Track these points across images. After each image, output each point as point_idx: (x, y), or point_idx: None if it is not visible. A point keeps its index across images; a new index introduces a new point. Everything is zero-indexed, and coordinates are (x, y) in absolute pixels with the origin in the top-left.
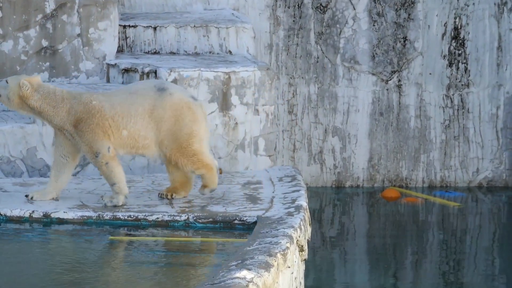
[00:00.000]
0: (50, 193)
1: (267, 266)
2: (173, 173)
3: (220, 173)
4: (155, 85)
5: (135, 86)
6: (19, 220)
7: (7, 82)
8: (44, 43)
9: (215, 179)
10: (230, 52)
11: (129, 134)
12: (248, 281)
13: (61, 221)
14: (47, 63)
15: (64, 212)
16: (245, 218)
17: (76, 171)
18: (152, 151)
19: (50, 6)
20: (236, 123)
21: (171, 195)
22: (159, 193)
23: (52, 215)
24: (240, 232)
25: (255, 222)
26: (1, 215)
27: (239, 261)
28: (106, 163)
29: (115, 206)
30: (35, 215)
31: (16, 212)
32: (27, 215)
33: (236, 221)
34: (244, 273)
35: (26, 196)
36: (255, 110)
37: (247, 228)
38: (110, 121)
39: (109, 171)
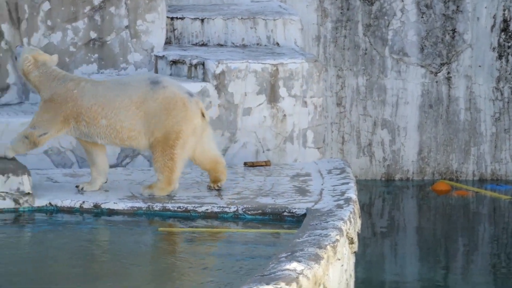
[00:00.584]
0: (96, 179)
1: (317, 258)
2: (202, 163)
3: (269, 165)
4: (149, 78)
5: (129, 78)
6: (70, 210)
7: (21, 51)
8: (93, 34)
9: (164, 192)
10: (277, 44)
11: (109, 124)
12: (298, 273)
13: (111, 212)
14: (96, 55)
15: (114, 203)
16: (294, 210)
17: (126, 162)
18: (140, 143)
19: None
20: (285, 115)
21: (218, 185)
22: (208, 185)
23: (102, 206)
24: (289, 225)
25: (304, 214)
26: (52, 205)
27: (289, 253)
28: (26, 137)
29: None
30: (85, 206)
31: (67, 203)
32: (77, 205)
33: (285, 213)
34: (294, 265)
35: (77, 187)
36: (303, 102)
37: (296, 220)
38: (84, 111)
39: (19, 141)
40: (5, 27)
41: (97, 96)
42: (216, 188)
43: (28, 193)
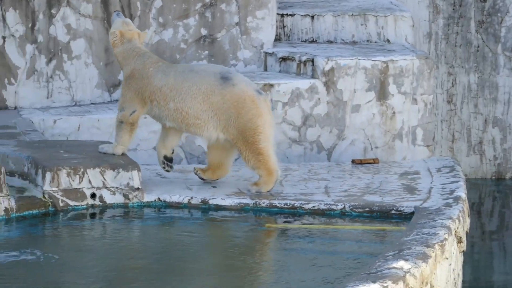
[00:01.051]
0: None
1: (424, 257)
2: (211, 155)
3: (377, 162)
4: (220, 72)
5: (200, 67)
6: (178, 206)
7: (114, 22)
8: (203, 31)
9: (270, 185)
10: (388, 40)
11: (176, 108)
12: (405, 272)
13: (219, 208)
14: (206, 52)
15: (222, 199)
16: (402, 209)
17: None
18: (207, 133)
19: None
20: (394, 113)
21: (202, 174)
22: (194, 168)
23: (210, 202)
24: (396, 221)
25: (412, 213)
26: (161, 201)
27: (396, 251)
28: (121, 122)
29: (105, 153)
30: (193, 201)
31: (175, 198)
32: (185, 201)
33: (393, 211)
34: (401, 263)
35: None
36: (413, 100)
37: (404, 218)
38: (155, 90)
39: (118, 129)
40: None
41: (168, 78)
42: (199, 176)
43: (138, 188)
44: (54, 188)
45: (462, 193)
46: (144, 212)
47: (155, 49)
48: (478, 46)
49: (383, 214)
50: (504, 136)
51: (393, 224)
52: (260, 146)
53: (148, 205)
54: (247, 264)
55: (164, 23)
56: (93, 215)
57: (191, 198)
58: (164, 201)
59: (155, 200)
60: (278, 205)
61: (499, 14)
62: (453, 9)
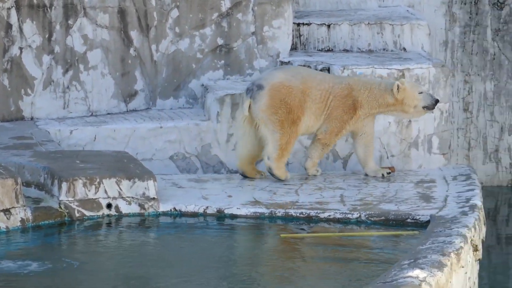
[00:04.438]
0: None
1: (440, 266)
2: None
3: (393, 171)
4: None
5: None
6: (194, 215)
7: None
8: (220, 41)
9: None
10: (404, 49)
11: None
12: (421, 280)
13: (234, 217)
14: (222, 61)
15: (237, 208)
16: (417, 217)
17: None
18: None
19: (225, 5)
20: (410, 121)
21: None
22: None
23: (226, 211)
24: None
25: (428, 221)
26: (176, 210)
27: (412, 260)
28: None
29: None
30: (209, 211)
31: (191, 208)
32: (201, 210)
33: (408, 220)
34: (416, 272)
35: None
36: None
37: (420, 226)
38: None
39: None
40: (134, 34)
41: None
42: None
43: (153, 198)
44: (70, 198)
45: (478, 201)
46: (159, 222)
47: (172, 59)
48: (495, 54)
49: (399, 223)
50: None
51: (409, 230)
52: None
53: (164, 214)
54: (263, 274)
55: (180, 33)
56: (109, 225)
57: (207, 207)
58: (180, 210)
59: (170, 209)
60: (293, 214)
61: None
62: (470, 17)
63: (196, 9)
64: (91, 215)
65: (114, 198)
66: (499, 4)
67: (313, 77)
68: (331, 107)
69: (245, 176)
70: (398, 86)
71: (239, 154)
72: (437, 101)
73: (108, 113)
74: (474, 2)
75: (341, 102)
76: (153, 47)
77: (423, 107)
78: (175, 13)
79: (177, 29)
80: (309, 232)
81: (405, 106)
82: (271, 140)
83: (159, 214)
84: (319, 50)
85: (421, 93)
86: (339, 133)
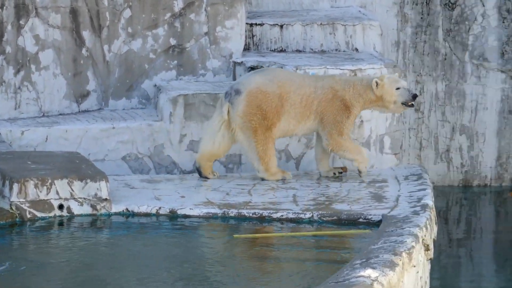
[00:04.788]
0: None
1: (392, 265)
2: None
3: (345, 171)
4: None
5: None
6: (146, 216)
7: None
8: (172, 41)
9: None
10: (356, 49)
11: None
12: (373, 280)
13: (187, 218)
14: (175, 62)
15: (190, 208)
16: (370, 217)
17: None
18: None
19: (178, 5)
20: (362, 121)
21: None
22: None
23: (179, 212)
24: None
25: (380, 221)
26: (129, 211)
27: (364, 260)
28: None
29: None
30: (161, 212)
31: (143, 209)
32: (154, 211)
33: (360, 220)
34: (368, 271)
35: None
36: None
37: (372, 226)
38: None
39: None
40: (87, 34)
41: None
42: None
43: (106, 199)
44: (21, 199)
45: (430, 201)
46: (112, 223)
47: (124, 59)
48: (446, 55)
49: (351, 222)
50: (471, 144)
51: (361, 229)
52: None
53: (116, 215)
54: (215, 274)
55: (133, 33)
56: (60, 226)
57: (160, 208)
58: (132, 211)
59: (123, 210)
60: (246, 214)
61: (466, 23)
62: (421, 18)
63: (149, 9)
64: (43, 216)
65: (66, 199)
66: (450, 4)
67: (291, 81)
68: (319, 112)
69: (199, 172)
70: (376, 82)
71: (202, 149)
72: (415, 96)
73: (60, 114)
74: (426, 2)
75: (329, 105)
76: (106, 47)
77: (402, 103)
78: (127, 13)
79: (129, 29)
80: (262, 232)
81: (385, 102)
82: (248, 149)
83: (111, 215)
84: (272, 50)
85: (398, 88)
86: (341, 134)
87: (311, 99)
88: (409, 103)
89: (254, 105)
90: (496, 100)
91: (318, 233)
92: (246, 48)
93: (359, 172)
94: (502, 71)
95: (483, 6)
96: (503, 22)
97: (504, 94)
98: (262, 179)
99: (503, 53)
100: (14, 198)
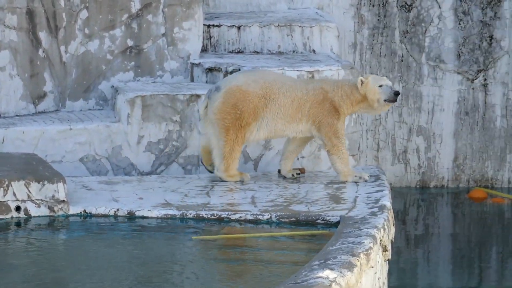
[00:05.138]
0: None
1: (350, 266)
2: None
3: (303, 172)
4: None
5: None
6: (104, 218)
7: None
8: (130, 42)
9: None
10: (313, 51)
11: None
12: (331, 281)
13: (145, 219)
14: (132, 63)
15: (148, 210)
16: (328, 218)
17: (160, 170)
18: None
19: (135, 6)
20: None
21: None
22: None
23: (136, 213)
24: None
25: (338, 222)
26: (87, 213)
27: (322, 261)
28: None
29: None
30: (119, 213)
31: (101, 210)
32: (111, 213)
33: (319, 221)
34: (327, 272)
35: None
36: None
37: (330, 227)
38: None
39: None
40: (43, 35)
41: None
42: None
43: (63, 201)
44: None
45: (387, 202)
46: (70, 225)
47: (81, 61)
48: (403, 56)
49: (309, 223)
50: (428, 145)
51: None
52: None
53: (74, 217)
54: (174, 276)
55: (90, 34)
56: (18, 228)
57: (118, 209)
58: (90, 213)
59: (81, 212)
60: (205, 215)
61: (423, 24)
62: (378, 20)
63: (106, 10)
64: (0, 218)
65: (23, 200)
66: (407, 6)
67: (281, 83)
68: (311, 115)
69: (202, 163)
70: (361, 81)
71: (201, 143)
72: (397, 93)
73: (17, 115)
74: (382, 4)
75: (320, 107)
76: (62, 48)
77: (384, 100)
78: (84, 14)
79: (86, 30)
80: (221, 233)
81: (369, 101)
82: (216, 146)
83: (69, 216)
84: (230, 51)
85: (381, 86)
86: (337, 134)
87: (303, 101)
88: (392, 100)
89: (230, 103)
90: (453, 101)
91: (277, 234)
92: (204, 50)
93: (356, 182)
94: (458, 73)
95: (439, 8)
96: (459, 24)
97: (460, 96)
98: (220, 179)
99: (459, 54)
100: None
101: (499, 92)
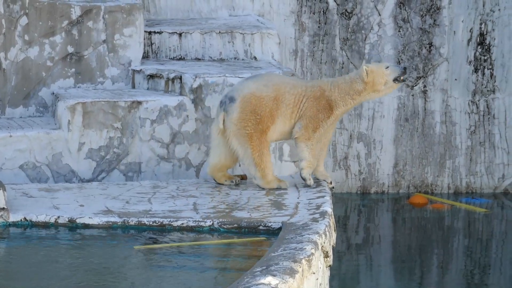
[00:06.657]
0: None
1: (292, 272)
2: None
3: (245, 179)
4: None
5: None
6: (45, 225)
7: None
8: (70, 49)
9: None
10: (255, 58)
11: None
12: (273, 287)
13: (86, 227)
14: (73, 69)
15: (89, 217)
16: (269, 224)
17: (101, 177)
18: None
19: (76, 13)
20: None
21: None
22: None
23: (77, 221)
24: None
25: (279, 228)
26: (27, 220)
27: (264, 267)
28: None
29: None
30: (60, 221)
31: (42, 218)
32: (52, 220)
33: (260, 227)
34: (269, 279)
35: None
36: None
37: (272, 234)
38: None
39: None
40: None
41: None
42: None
43: (3, 208)
44: None
45: (328, 208)
46: (10, 232)
47: (21, 67)
48: (343, 63)
49: (251, 230)
50: (369, 151)
51: (260, 237)
52: None
53: (14, 225)
54: (116, 285)
55: (30, 40)
56: None
57: (58, 217)
58: (31, 220)
59: (21, 220)
60: (146, 222)
61: (363, 32)
62: (319, 27)
63: (46, 16)
64: None
65: None
66: (347, 14)
67: (286, 83)
68: (304, 108)
69: (218, 183)
70: (366, 70)
71: (210, 162)
72: (405, 68)
73: None
74: (323, 11)
75: (315, 102)
76: (2, 54)
77: (394, 80)
78: (24, 20)
79: (26, 37)
80: (163, 242)
81: (376, 86)
82: (244, 156)
83: (9, 224)
84: (171, 58)
85: (387, 67)
86: (316, 129)
87: (301, 97)
88: (402, 78)
89: (248, 110)
90: (393, 108)
91: (219, 241)
92: (145, 56)
93: (304, 179)
94: None
95: (379, 15)
96: (399, 31)
97: (400, 102)
98: (261, 189)
99: (399, 61)
100: None
101: (439, 98)
